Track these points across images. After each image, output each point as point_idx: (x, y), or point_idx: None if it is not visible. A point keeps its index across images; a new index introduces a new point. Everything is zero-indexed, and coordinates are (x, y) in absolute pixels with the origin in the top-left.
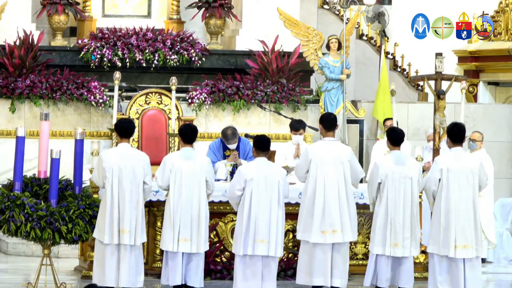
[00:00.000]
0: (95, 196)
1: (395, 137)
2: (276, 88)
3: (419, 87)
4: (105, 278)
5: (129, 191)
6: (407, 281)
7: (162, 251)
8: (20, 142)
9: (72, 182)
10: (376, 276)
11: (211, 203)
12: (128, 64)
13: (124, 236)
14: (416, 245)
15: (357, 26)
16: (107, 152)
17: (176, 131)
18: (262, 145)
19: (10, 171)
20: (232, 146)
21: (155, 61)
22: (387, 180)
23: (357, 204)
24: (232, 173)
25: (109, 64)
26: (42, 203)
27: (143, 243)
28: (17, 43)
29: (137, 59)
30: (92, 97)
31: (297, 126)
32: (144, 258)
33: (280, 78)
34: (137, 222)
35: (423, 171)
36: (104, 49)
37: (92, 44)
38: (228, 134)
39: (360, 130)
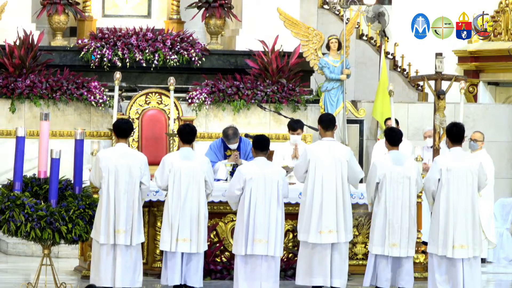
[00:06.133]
0: (95, 196)
1: (393, 137)
2: (276, 88)
3: (419, 87)
4: (100, 278)
5: (125, 191)
6: (407, 282)
7: (162, 251)
8: (20, 142)
9: (72, 182)
10: (376, 276)
11: (211, 203)
12: (128, 64)
13: (119, 236)
14: (413, 245)
15: (357, 26)
16: (104, 152)
17: (175, 132)
18: (261, 145)
19: (10, 171)
20: (233, 146)
21: (155, 61)
22: (385, 180)
23: (357, 204)
24: (232, 173)
25: (109, 64)
26: (42, 203)
27: (142, 243)
28: (17, 43)
29: (137, 59)
30: (92, 97)
31: (294, 126)
32: (144, 258)
33: (280, 78)
34: (134, 222)
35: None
36: (104, 49)
37: (92, 44)
38: (229, 134)
39: (360, 130)
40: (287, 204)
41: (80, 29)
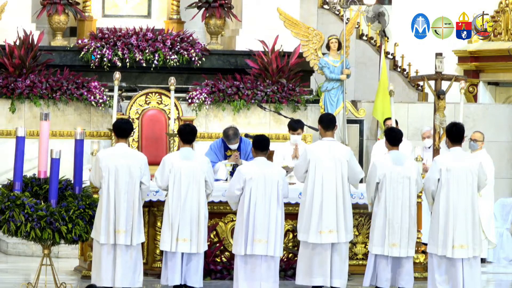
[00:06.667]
0: (95, 196)
1: (394, 137)
2: (276, 88)
3: (419, 87)
4: (101, 278)
5: (125, 191)
6: (407, 282)
7: (162, 251)
8: (20, 142)
9: (72, 182)
10: (376, 276)
11: (211, 203)
12: (128, 64)
13: (119, 236)
14: (413, 245)
15: (357, 26)
16: (104, 152)
17: (176, 132)
18: (261, 145)
19: (10, 171)
20: (234, 146)
21: (155, 61)
22: (385, 180)
23: (357, 204)
24: (232, 173)
25: (109, 64)
26: (42, 203)
27: (142, 243)
28: (17, 43)
29: (137, 59)
30: (92, 97)
31: (295, 126)
32: (144, 258)
33: (280, 78)
34: (134, 222)
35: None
36: (104, 49)
37: (92, 44)
38: (230, 134)
39: (360, 130)
40: (287, 204)
41: (80, 29)
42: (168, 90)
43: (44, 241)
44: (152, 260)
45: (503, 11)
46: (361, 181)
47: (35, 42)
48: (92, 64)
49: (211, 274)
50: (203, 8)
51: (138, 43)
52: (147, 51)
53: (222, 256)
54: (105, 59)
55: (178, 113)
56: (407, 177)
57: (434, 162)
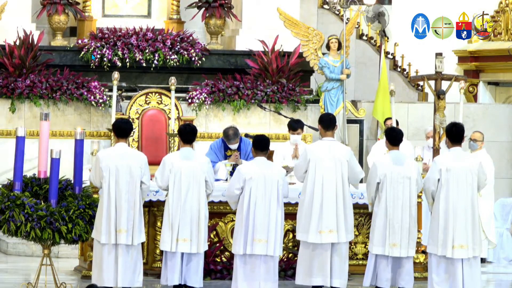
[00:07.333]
0: (95, 196)
1: (394, 137)
2: (276, 88)
3: (419, 87)
4: (102, 278)
5: (126, 191)
6: (407, 282)
7: (162, 251)
8: (20, 142)
9: (72, 182)
10: (376, 276)
11: (211, 203)
12: (128, 64)
13: (120, 236)
14: (414, 245)
15: (357, 26)
16: (104, 152)
17: (176, 131)
18: (261, 145)
19: (10, 171)
20: (234, 146)
21: (155, 61)
22: (385, 180)
23: (357, 204)
24: (232, 173)
25: (109, 64)
26: (42, 203)
27: (142, 243)
28: (17, 43)
29: (137, 59)
30: (92, 97)
31: (294, 125)
32: (144, 258)
33: (280, 78)
34: (134, 222)
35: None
36: (104, 49)
37: (92, 44)
38: (230, 134)
39: (360, 130)
40: (287, 204)
41: (80, 29)
42: (168, 90)
43: (44, 241)
44: (152, 260)
45: (503, 11)
46: (361, 181)
47: (35, 42)
48: (92, 64)
49: (211, 274)
50: (203, 8)
51: (138, 43)
52: (147, 51)
53: (222, 256)
54: (105, 59)
55: (178, 113)
56: (407, 177)
57: (434, 162)
